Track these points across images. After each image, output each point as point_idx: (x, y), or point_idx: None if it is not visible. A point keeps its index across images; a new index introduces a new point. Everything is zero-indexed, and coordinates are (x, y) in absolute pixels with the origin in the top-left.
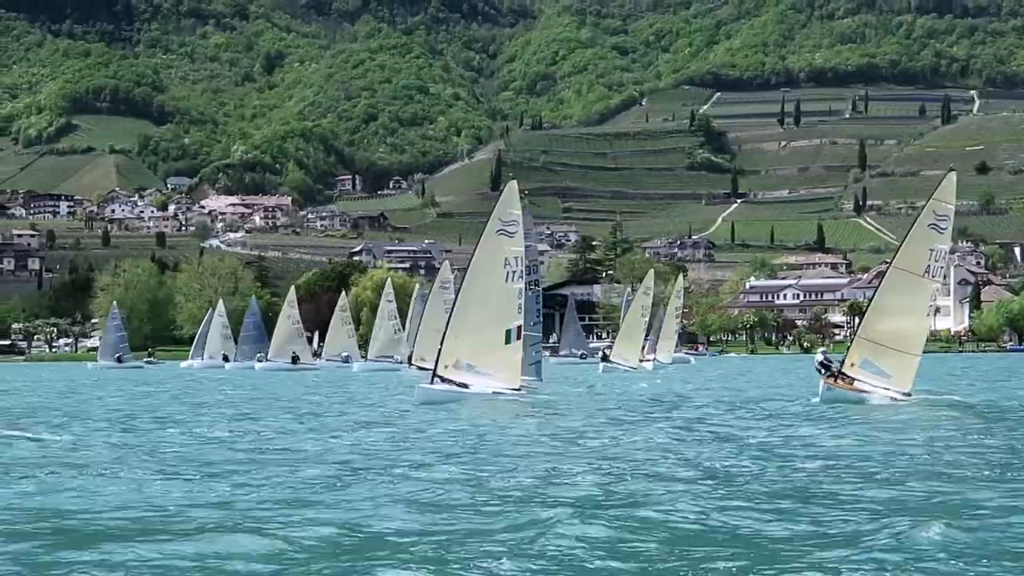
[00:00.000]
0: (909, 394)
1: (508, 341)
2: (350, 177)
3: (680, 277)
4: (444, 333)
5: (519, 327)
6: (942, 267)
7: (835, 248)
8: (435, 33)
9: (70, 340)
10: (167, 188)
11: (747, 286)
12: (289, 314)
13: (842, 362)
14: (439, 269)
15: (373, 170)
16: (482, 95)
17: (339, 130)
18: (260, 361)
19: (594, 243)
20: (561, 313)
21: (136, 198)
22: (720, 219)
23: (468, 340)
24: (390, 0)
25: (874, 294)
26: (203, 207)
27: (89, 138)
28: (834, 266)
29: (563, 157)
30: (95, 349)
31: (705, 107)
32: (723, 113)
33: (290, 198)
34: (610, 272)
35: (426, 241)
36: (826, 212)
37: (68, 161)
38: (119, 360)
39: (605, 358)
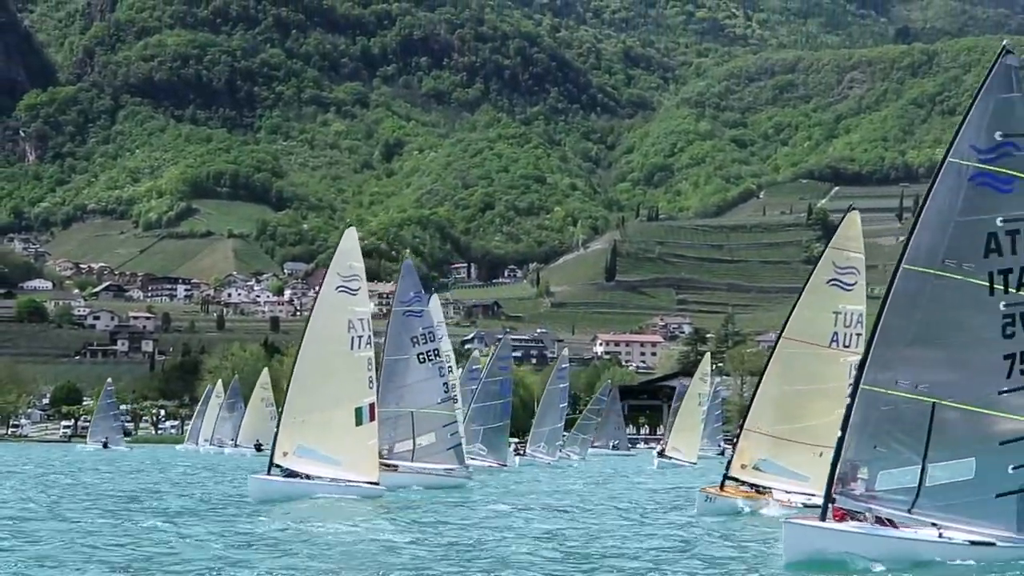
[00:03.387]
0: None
1: (359, 422)
2: (465, 265)
3: None
4: (280, 414)
5: (372, 405)
6: (859, 334)
7: None
8: (554, 123)
9: (176, 422)
10: (284, 273)
11: None
12: (263, 397)
13: (729, 463)
14: (552, 358)
15: (489, 259)
16: (599, 185)
17: (456, 218)
18: (230, 447)
19: (707, 335)
20: (668, 404)
21: (253, 282)
22: None
23: (310, 421)
24: (510, 90)
25: (761, 375)
26: (319, 292)
27: (208, 222)
28: None
29: (679, 248)
30: None
31: (823, 201)
32: (841, 207)
33: None
34: (719, 364)
35: (539, 330)
36: None
37: (187, 245)
38: (104, 445)
39: (661, 453)
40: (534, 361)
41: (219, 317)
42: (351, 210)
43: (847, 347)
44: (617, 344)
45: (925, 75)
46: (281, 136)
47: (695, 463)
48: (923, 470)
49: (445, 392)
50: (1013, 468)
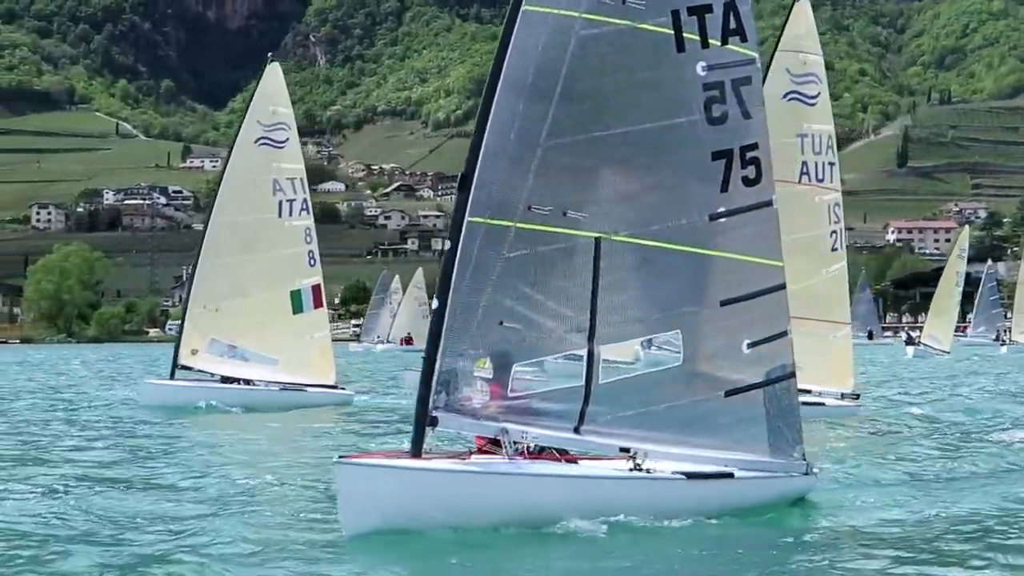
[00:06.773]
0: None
1: (299, 309)
2: None
3: None
4: (187, 299)
5: (316, 287)
6: (832, 163)
7: None
8: (841, 8)
9: None
10: None
11: None
12: (416, 296)
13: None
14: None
15: None
16: (889, 70)
17: None
18: (381, 343)
19: (1004, 220)
20: (967, 292)
21: None
22: None
23: (225, 309)
24: None
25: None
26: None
27: None
28: None
29: (972, 132)
30: None
31: None
32: None
33: None
34: (1015, 249)
35: None
36: None
37: None
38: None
39: (910, 340)
40: None
41: None
42: None
43: (820, 181)
44: (910, 231)
45: None
46: None
47: (948, 352)
48: (591, 356)
49: None
50: (749, 345)
